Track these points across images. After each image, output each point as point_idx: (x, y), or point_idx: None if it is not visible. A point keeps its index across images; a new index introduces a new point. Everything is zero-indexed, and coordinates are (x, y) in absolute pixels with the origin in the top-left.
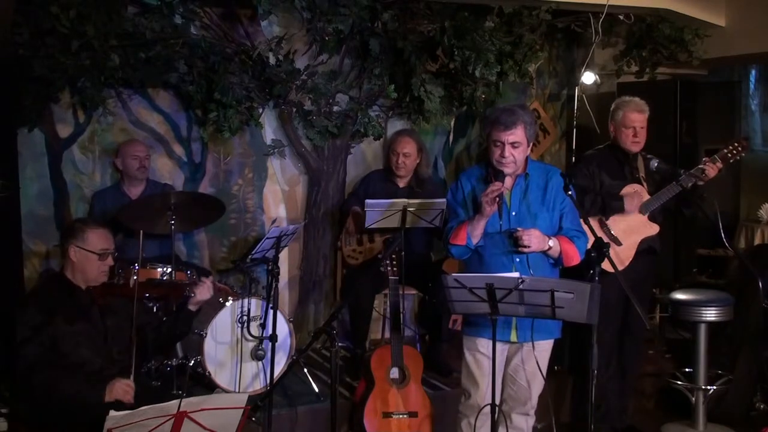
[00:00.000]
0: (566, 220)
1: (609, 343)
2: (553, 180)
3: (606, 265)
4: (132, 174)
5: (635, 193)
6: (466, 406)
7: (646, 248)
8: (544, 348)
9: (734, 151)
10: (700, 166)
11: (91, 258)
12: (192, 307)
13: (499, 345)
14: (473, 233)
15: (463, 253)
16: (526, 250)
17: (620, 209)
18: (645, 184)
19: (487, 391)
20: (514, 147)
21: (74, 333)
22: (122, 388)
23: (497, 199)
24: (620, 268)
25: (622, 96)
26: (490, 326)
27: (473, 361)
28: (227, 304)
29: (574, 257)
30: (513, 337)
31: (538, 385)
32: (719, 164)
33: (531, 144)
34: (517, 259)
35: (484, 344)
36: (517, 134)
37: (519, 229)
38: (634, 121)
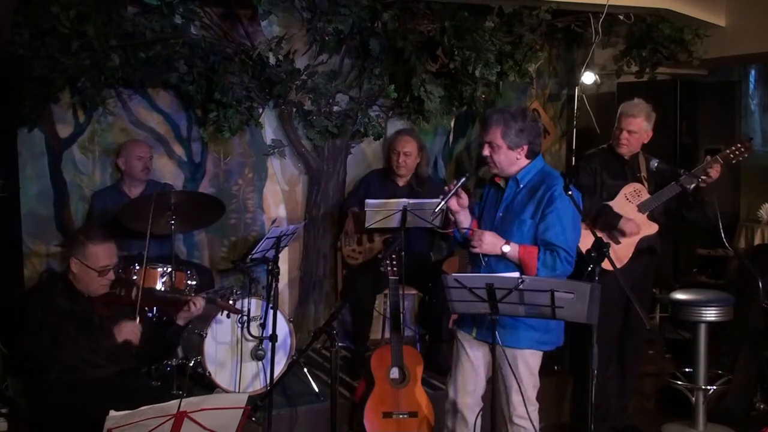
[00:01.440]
0: (546, 231)
1: (609, 342)
2: (544, 187)
3: (606, 264)
4: (136, 175)
5: (633, 222)
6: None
7: (646, 248)
8: (517, 356)
9: (737, 152)
10: (701, 166)
11: (91, 273)
12: (180, 321)
13: (476, 343)
14: (458, 225)
15: (460, 242)
16: (473, 250)
17: (613, 227)
18: (646, 183)
19: (455, 382)
20: (491, 147)
21: (74, 336)
22: (130, 328)
23: (442, 196)
24: (618, 266)
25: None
26: (470, 321)
27: (455, 349)
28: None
29: (531, 268)
30: (474, 333)
31: (514, 395)
32: (721, 164)
33: (519, 149)
34: (485, 260)
35: (463, 336)
36: (490, 135)
37: (473, 229)
38: (621, 122)
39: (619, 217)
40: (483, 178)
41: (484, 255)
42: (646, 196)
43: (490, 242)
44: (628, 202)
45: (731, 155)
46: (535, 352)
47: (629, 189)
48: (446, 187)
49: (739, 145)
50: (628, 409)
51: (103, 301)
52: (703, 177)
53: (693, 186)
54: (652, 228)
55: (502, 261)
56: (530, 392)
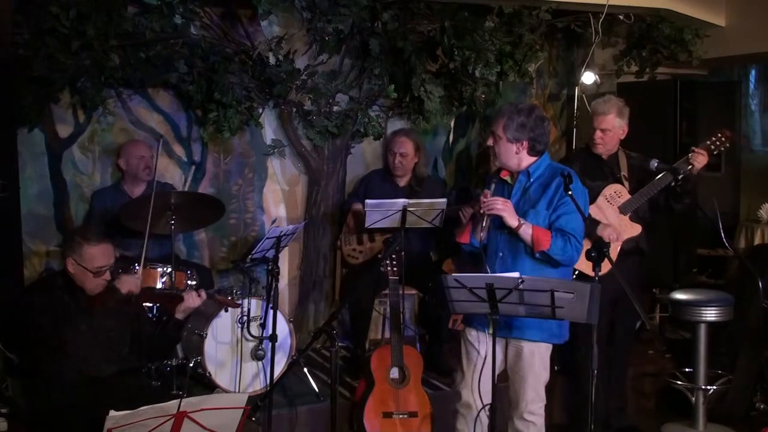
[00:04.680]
0: (559, 219)
1: (601, 343)
2: (558, 180)
3: (605, 264)
4: (138, 175)
5: (611, 227)
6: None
7: (632, 248)
8: (530, 350)
9: (717, 143)
10: (683, 159)
11: (87, 274)
12: (179, 316)
13: (484, 337)
14: (476, 233)
15: (472, 249)
16: (490, 211)
17: (589, 235)
18: (626, 183)
19: (470, 382)
20: (494, 137)
21: (76, 330)
22: (131, 280)
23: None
24: (603, 269)
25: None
26: (480, 318)
27: (464, 349)
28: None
29: (544, 243)
30: (489, 330)
31: (529, 389)
32: (704, 154)
33: (519, 143)
34: (500, 254)
35: (472, 334)
36: (494, 125)
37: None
38: (593, 122)
39: (596, 224)
40: (482, 177)
41: (501, 249)
42: (626, 197)
43: (509, 207)
44: (609, 205)
45: (712, 146)
46: (549, 346)
47: (609, 191)
48: (483, 197)
49: (719, 135)
50: (626, 408)
51: (100, 299)
52: (688, 168)
53: (681, 177)
54: (635, 229)
55: (519, 258)
56: (541, 387)
